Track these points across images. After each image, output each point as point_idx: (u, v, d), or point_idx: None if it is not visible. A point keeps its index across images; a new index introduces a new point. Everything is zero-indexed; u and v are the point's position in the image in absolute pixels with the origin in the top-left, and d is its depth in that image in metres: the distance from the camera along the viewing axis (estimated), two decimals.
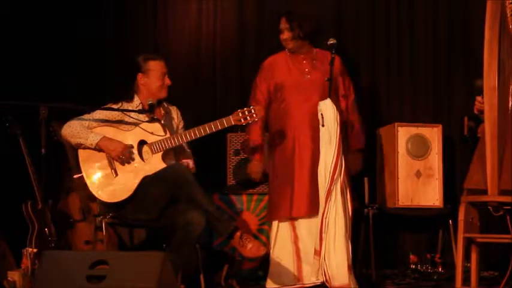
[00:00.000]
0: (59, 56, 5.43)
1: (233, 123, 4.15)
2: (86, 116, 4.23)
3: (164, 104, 4.38)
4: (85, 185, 4.15)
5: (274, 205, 4.50)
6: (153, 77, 4.26)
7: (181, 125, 4.43)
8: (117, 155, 4.13)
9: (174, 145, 4.17)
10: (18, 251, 4.33)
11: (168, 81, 4.29)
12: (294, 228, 4.43)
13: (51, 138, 4.47)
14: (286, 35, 4.47)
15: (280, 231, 4.47)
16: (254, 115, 4.13)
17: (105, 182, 4.14)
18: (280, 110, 4.51)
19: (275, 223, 4.49)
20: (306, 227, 4.39)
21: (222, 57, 5.64)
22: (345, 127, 4.50)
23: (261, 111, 4.18)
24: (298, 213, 4.38)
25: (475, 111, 4.15)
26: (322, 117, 4.28)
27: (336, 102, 4.42)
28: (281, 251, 4.44)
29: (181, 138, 4.18)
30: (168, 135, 4.19)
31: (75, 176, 4.21)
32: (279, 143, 4.49)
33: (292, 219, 4.43)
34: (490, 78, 3.81)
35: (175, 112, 4.44)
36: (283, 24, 4.48)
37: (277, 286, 4.42)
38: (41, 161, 3.91)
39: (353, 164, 4.56)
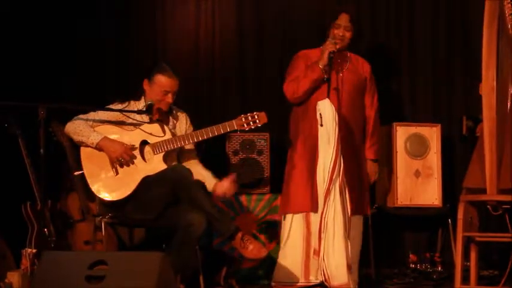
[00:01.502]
0: (59, 56, 5.43)
1: (236, 128, 4.16)
2: (91, 114, 4.23)
3: (172, 108, 4.35)
4: (85, 182, 4.16)
5: (291, 198, 4.51)
6: (155, 90, 4.21)
7: (189, 130, 4.38)
8: (116, 156, 4.12)
9: (175, 147, 4.18)
10: (17, 251, 4.34)
11: (169, 100, 4.21)
12: (308, 225, 4.43)
13: (50, 139, 4.47)
14: (347, 34, 4.50)
15: (293, 225, 4.47)
16: (257, 121, 4.15)
17: (105, 180, 4.13)
18: (303, 106, 4.54)
19: (289, 216, 4.50)
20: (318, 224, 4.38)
21: (221, 58, 5.63)
22: (362, 135, 4.59)
23: (264, 118, 4.18)
24: (314, 208, 4.37)
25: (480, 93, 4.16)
26: (321, 117, 4.28)
27: (361, 103, 4.56)
28: (293, 246, 4.44)
29: (183, 140, 4.19)
30: (166, 136, 4.19)
31: (75, 173, 4.21)
32: (302, 135, 4.50)
33: (308, 213, 4.42)
34: (488, 78, 3.82)
35: (184, 117, 4.40)
36: (345, 21, 4.50)
37: (280, 283, 4.43)
38: (40, 162, 3.91)
39: (369, 173, 4.63)
